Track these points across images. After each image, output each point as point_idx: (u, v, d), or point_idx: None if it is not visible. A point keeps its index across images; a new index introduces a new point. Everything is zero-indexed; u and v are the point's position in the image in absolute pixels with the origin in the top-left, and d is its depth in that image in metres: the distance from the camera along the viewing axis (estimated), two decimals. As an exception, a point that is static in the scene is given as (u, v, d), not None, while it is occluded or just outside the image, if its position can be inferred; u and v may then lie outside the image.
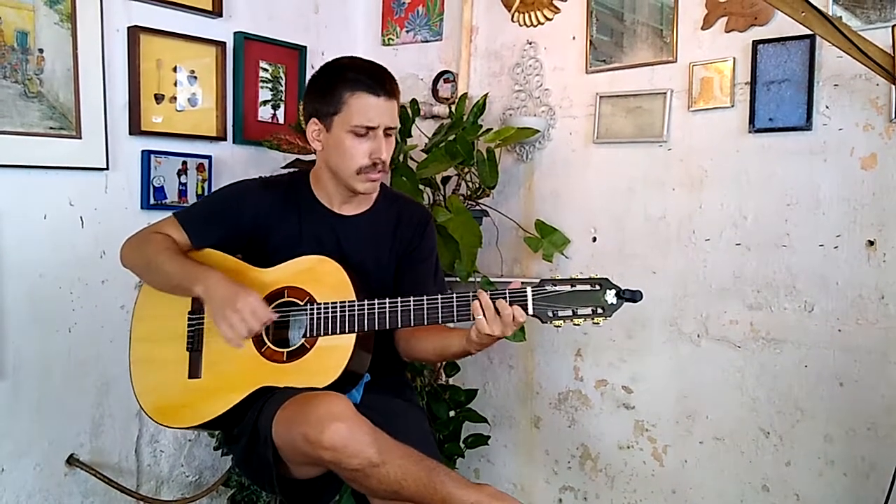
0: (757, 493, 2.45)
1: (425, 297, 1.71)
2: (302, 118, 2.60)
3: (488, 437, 2.88)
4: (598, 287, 1.64)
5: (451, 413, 2.78)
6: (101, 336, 2.52)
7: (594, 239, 2.73)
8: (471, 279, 2.62)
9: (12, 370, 2.34)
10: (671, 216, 2.57)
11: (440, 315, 1.70)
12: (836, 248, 2.28)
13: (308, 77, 2.98)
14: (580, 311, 1.62)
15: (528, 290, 1.64)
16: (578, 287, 1.63)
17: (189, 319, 1.85)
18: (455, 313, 1.69)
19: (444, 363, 2.77)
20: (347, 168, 1.80)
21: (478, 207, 2.80)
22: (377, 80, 1.78)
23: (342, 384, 1.73)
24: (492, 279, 2.68)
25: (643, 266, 2.63)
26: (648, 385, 2.65)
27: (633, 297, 1.64)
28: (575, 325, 1.64)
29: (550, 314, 1.63)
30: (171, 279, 1.79)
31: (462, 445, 2.80)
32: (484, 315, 1.64)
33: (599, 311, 1.63)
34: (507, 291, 1.65)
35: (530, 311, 1.64)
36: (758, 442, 2.44)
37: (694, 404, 2.56)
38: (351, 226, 1.90)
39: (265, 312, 1.70)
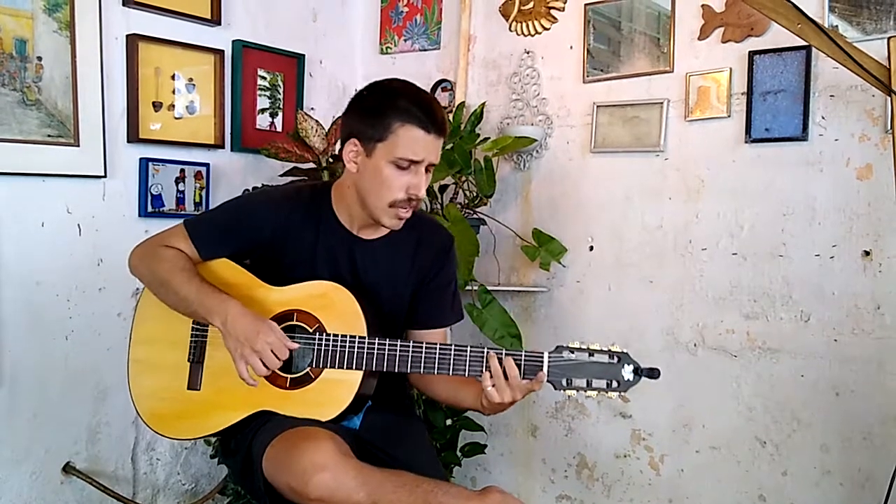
0: (753, 503, 2.45)
1: (437, 346, 1.67)
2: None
3: (485, 446, 2.87)
4: (616, 360, 1.60)
5: (448, 421, 2.77)
6: (98, 344, 2.52)
7: (591, 248, 2.74)
8: (468, 287, 2.62)
9: (9, 378, 2.34)
10: (668, 225, 2.58)
11: (451, 367, 1.66)
12: (832, 258, 2.29)
13: (306, 84, 3.04)
14: (595, 384, 1.59)
15: (545, 355, 1.61)
16: (596, 357, 1.60)
17: (193, 329, 1.81)
18: (467, 368, 1.65)
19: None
20: (380, 199, 1.70)
21: (475, 216, 2.80)
22: (430, 114, 1.67)
23: (345, 414, 1.70)
24: (489, 288, 2.68)
25: (640, 275, 2.63)
26: (645, 394, 2.64)
27: (651, 374, 1.60)
28: (587, 396, 1.61)
29: (565, 383, 1.59)
30: (186, 304, 1.73)
31: (459, 454, 2.79)
32: (493, 385, 1.61)
33: (615, 384, 1.59)
34: (522, 355, 1.62)
35: (544, 378, 1.60)
36: (754, 451, 2.45)
37: (690, 413, 2.56)
38: (368, 250, 1.82)
39: (284, 350, 1.65)
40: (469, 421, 2.81)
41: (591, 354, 1.60)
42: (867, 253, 2.24)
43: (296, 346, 1.68)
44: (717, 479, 2.52)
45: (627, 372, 1.59)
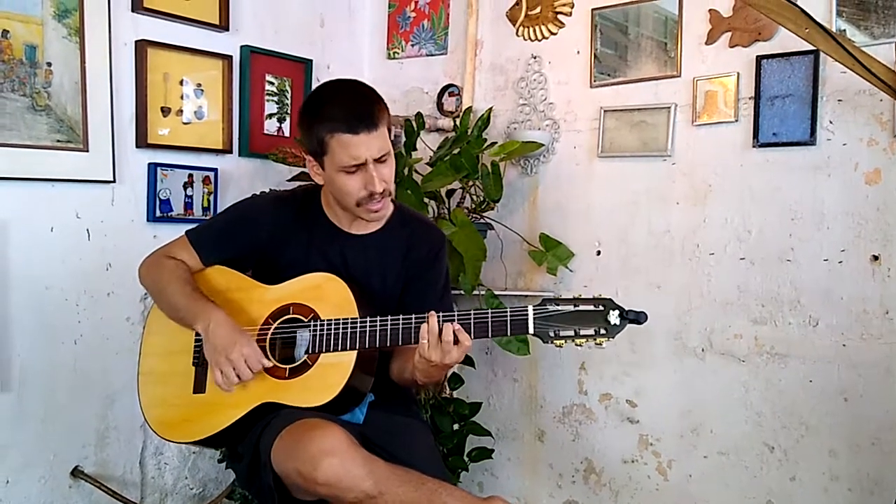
0: (762, 509, 2.45)
1: (426, 316, 1.68)
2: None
3: (492, 451, 2.87)
4: (601, 307, 1.60)
5: (455, 426, 2.77)
6: (107, 348, 2.53)
7: (598, 253, 2.74)
8: (475, 292, 2.62)
9: (18, 382, 2.35)
10: (675, 230, 2.57)
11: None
12: (840, 262, 2.28)
13: (313, 89, 3.04)
14: (582, 332, 1.59)
15: (529, 308, 1.61)
16: (581, 307, 1.60)
17: (197, 334, 1.85)
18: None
19: (448, 376, 2.76)
20: (347, 202, 1.78)
21: (482, 221, 2.80)
22: (355, 115, 1.71)
23: (345, 402, 1.73)
24: (496, 292, 2.68)
25: (647, 280, 2.63)
26: (653, 399, 2.65)
27: (638, 318, 1.60)
28: (576, 345, 1.60)
29: (552, 334, 1.59)
30: (176, 311, 1.82)
31: (466, 459, 2.79)
32: (428, 339, 1.63)
33: (602, 331, 1.59)
34: (508, 311, 1.62)
35: (531, 331, 1.60)
36: (762, 457, 2.44)
37: (698, 419, 2.56)
38: (359, 245, 1.88)
39: (257, 362, 1.72)
40: (476, 426, 2.81)
41: (576, 304, 1.60)
42: (876, 258, 2.24)
43: (269, 363, 1.74)
44: (725, 484, 2.51)
45: (614, 317, 1.59)
